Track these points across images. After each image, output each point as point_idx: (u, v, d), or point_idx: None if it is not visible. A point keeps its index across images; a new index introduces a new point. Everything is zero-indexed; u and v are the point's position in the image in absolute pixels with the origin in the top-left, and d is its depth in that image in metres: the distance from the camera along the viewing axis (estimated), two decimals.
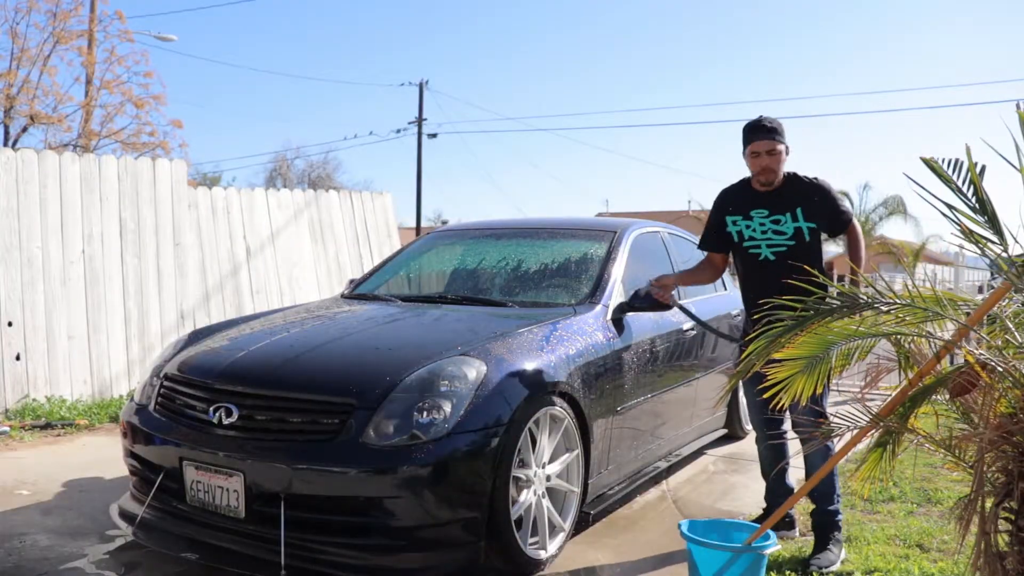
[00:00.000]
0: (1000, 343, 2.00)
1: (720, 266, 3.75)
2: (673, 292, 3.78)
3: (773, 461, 3.44)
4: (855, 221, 3.40)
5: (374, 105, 76.00)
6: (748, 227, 3.41)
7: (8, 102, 17.63)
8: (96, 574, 3.00)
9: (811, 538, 3.34)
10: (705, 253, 3.76)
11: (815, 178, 3.41)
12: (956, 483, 4.10)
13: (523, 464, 2.94)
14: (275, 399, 2.89)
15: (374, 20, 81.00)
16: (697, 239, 5.49)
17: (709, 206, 3.70)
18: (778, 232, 3.34)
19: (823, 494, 3.25)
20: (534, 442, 3.00)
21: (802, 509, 3.73)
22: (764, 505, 3.60)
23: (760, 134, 3.29)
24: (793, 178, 3.41)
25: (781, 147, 3.31)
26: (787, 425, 3.41)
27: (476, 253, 4.60)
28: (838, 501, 3.30)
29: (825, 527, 3.24)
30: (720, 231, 3.52)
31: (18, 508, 3.76)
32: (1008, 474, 1.86)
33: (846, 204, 3.47)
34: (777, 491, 3.48)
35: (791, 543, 3.37)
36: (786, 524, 3.50)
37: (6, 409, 5.59)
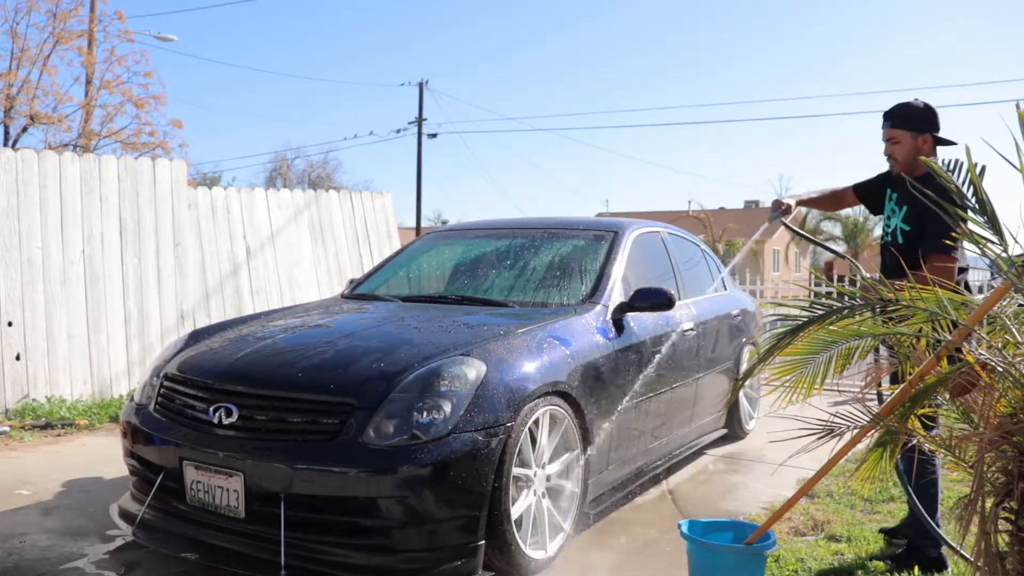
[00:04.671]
0: (1000, 343, 2.00)
1: (848, 202, 3.62)
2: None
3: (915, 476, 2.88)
4: (945, 260, 2.82)
5: (374, 105, 76.32)
6: (887, 206, 3.26)
7: (8, 102, 17.63)
8: (96, 574, 3.00)
9: (812, 538, 3.34)
10: (849, 187, 3.60)
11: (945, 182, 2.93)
12: (956, 483, 4.09)
13: (523, 464, 2.94)
14: (275, 399, 2.89)
15: (374, 20, 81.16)
16: (697, 239, 5.53)
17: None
18: (890, 224, 3.19)
19: (916, 528, 3.03)
20: (534, 442, 3.01)
21: (802, 509, 3.73)
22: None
23: (883, 121, 3.19)
24: (929, 175, 2.85)
25: (897, 133, 3.14)
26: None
27: (476, 253, 4.60)
28: (933, 542, 2.99)
29: (915, 550, 3.06)
30: (879, 193, 3.36)
31: (18, 508, 3.76)
32: (1008, 474, 1.86)
33: (952, 238, 2.77)
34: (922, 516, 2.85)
35: (802, 544, 3.34)
36: (935, 563, 3.02)
37: (6, 409, 5.60)
